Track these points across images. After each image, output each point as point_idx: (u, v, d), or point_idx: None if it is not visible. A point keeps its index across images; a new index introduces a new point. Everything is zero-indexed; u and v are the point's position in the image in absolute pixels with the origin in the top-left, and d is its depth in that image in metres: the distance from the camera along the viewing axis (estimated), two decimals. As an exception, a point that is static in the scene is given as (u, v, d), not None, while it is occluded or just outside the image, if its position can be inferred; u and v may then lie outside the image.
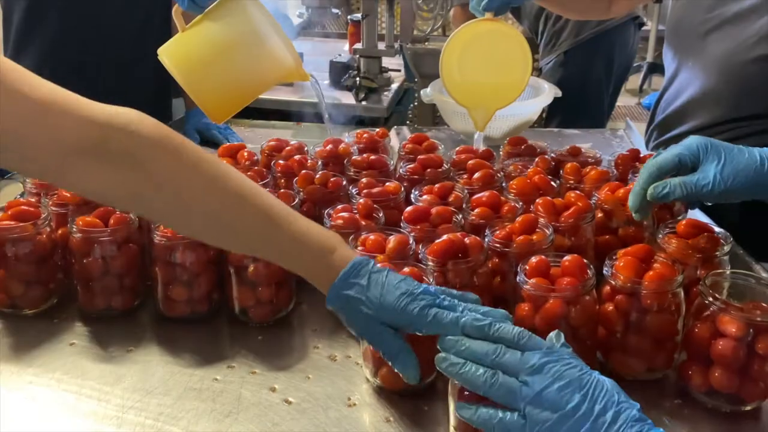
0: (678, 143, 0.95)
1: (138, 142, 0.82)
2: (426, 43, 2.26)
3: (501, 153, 1.44)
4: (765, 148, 0.92)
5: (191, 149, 0.86)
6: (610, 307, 0.93)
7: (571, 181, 1.23)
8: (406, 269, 0.94)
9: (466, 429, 0.77)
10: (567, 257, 0.93)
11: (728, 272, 0.92)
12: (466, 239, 0.98)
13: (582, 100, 2.35)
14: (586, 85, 2.41)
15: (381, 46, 2.23)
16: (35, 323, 1.08)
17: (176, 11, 1.22)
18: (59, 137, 0.79)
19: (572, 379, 0.68)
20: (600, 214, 1.15)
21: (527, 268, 0.94)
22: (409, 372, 0.82)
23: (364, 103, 2.14)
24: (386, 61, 2.32)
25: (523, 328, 0.74)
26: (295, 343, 1.05)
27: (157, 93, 1.95)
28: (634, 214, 0.99)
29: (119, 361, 1.01)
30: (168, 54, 1.24)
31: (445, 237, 0.97)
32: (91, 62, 1.78)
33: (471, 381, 0.72)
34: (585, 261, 0.93)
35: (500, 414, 0.70)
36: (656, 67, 5.33)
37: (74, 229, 1.06)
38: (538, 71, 2.74)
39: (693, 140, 0.94)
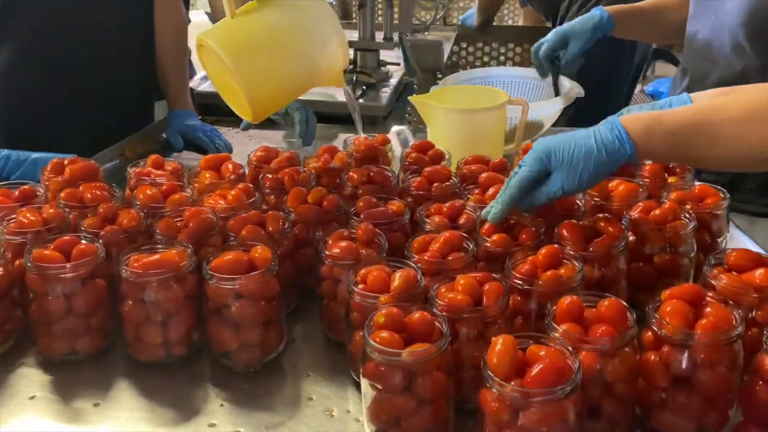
0: (528, 154, 0.98)
1: None
2: (426, 34, 2.10)
3: (515, 162, 1.30)
4: (603, 131, 0.94)
5: None
6: (654, 357, 0.79)
7: (597, 199, 1.09)
8: (416, 314, 0.81)
9: None
10: (605, 301, 0.80)
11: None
12: (485, 284, 0.84)
13: (602, 96, 2.19)
14: (610, 80, 2.24)
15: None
16: (-12, 372, 0.95)
17: None
18: None
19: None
20: (632, 238, 1.01)
21: (557, 310, 0.81)
22: None
23: (361, 100, 1.99)
24: (384, 54, 2.17)
25: None
26: (286, 394, 0.92)
27: (140, 94, 1.80)
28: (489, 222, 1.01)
29: (85, 418, 0.88)
30: (216, 39, 1.11)
31: (461, 282, 0.85)
32: (72, 62, 1.63)
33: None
34: (625, 306, 0.79)
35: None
36: (660, 53, 5.18)
37: (30, 265, 0.92)
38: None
39: (538, 150, 0.96)
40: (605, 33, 1.59)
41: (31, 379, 0.94)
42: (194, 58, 1.85)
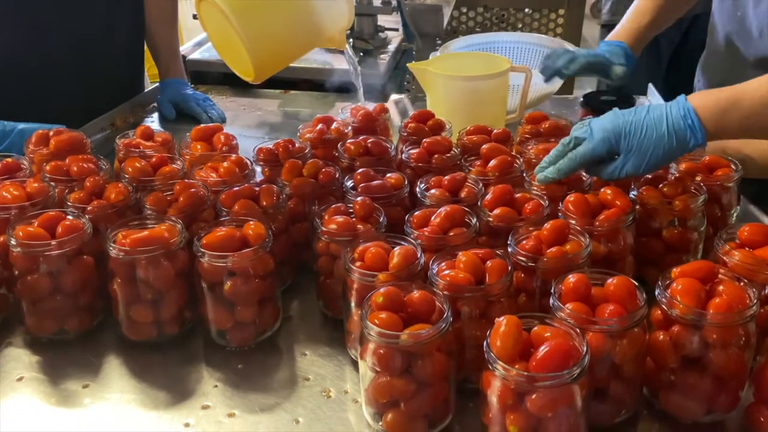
0: (596, 130, 0.96)
1: None
2: (426, -2, 2.03)
3: (518, 132, 1.25)
4: (675, 117, 0.92)
5: None
6: (663, 337, 0.76)
7: (603, 170, 1.05)
8: (416, 293, 0.77)
9: None
10: (613, 279, 0.76)
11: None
12: (488, 261, 0.81)
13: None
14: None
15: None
16: (-27, 352, 0.92)
17: None
18: None
19: None
20: (639, 209, 0.98)
21: (563, 288, 0.77)
22: None
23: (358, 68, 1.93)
24: (382, 19, 2.10)
25: None
26: (281, 374, 0.89)
27: (130, 62, 1.74)
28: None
29: (73, 400, 0.85)
30: None
31: (462, 260, 0.81)
32: (58, 31, 1.57)
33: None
34: (635, 284, 0.76)
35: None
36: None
37: (13, 242, 0.89)
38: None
39: (608, 130, 0.94)
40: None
41: (18, 359, 0.91)
42: (184, 25, 1.79)
